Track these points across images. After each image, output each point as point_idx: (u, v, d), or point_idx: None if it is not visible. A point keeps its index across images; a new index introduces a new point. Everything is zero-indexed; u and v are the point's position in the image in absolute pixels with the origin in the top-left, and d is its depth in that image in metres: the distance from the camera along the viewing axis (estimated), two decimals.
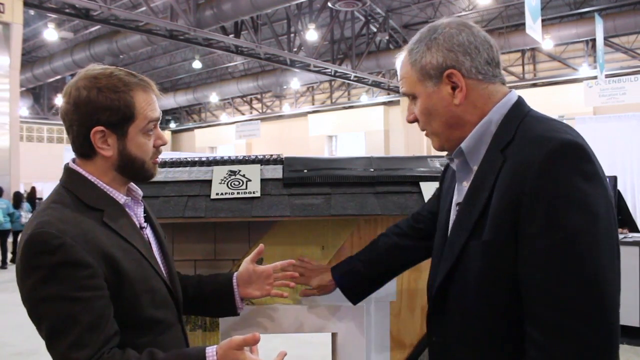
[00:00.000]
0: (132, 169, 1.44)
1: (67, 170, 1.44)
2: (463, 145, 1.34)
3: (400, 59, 1.43)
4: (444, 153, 1.47)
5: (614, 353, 1.10)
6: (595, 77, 15.81)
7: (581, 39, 20.89)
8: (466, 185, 1.36)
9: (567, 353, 1.09)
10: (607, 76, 15.50)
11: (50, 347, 1.25)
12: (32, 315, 1.27)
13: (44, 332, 1.25)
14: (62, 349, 1.22)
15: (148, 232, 1.55)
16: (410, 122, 1.45)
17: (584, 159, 1.15)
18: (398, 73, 1.44)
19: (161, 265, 1.52)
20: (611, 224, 1.15)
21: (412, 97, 1.40)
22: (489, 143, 1.30)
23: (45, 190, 35.03)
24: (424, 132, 1.44)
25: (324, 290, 1.88)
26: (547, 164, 1.14)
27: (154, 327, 1.41)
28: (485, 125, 1.32)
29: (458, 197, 1.41)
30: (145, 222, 1.55)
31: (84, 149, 1.41)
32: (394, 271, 1.86)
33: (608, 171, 7.81)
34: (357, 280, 1.81)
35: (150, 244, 1.51)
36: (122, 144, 1.40)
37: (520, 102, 1.34)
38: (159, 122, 1.48)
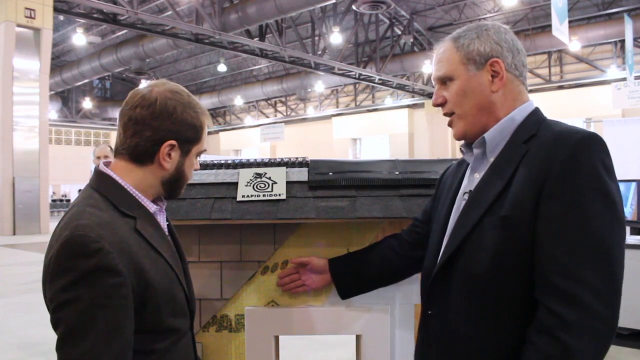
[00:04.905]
0: (177, 186, 1.48)
1: (99, 174, 1.41)
2: (487, 135, 1.43)
3: (441, 45, 1.52)
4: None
5: (615, 324, 1.22)
6: (624, 79, 15.56)
7: (609, 40, 20.59)
8: (478, 176, 1.45)
9: (577, 320, 1.19)
10: (636, 78, 15.24)
11: (60, 349, 1.21)
12: (53, 315, 1.24)
13: (59, 333, 1.22)
14: (74, 355, 1.19)
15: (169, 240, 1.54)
16: (437, 105, 1.53)
17: (606, 152, 1.28)
18: (435, 58, 1.52)
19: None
20: (622, 212, 1.28)
21: (448, 80, 1.48)
22: (509, 138, 1.41)
23: (72, 191, 35.69)
24: (448, 119, 1.51)
25: (320, 282, 1.98)
26: (576, 150, 1.26)
27: (171, 334, 1.40)
28: (509, 122, 1.42)
29: (469, 185, 1.48)
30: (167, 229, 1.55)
31: (143, 155, 1.40)
32: (385, 278, 1.92)
33: (638, 174, 7.69)
34: (348, 271, 1.91)
35: (175, 252, 1.52)
36: (182, 161, 1.45)
37: (538, 110, 1.46)
38: None
